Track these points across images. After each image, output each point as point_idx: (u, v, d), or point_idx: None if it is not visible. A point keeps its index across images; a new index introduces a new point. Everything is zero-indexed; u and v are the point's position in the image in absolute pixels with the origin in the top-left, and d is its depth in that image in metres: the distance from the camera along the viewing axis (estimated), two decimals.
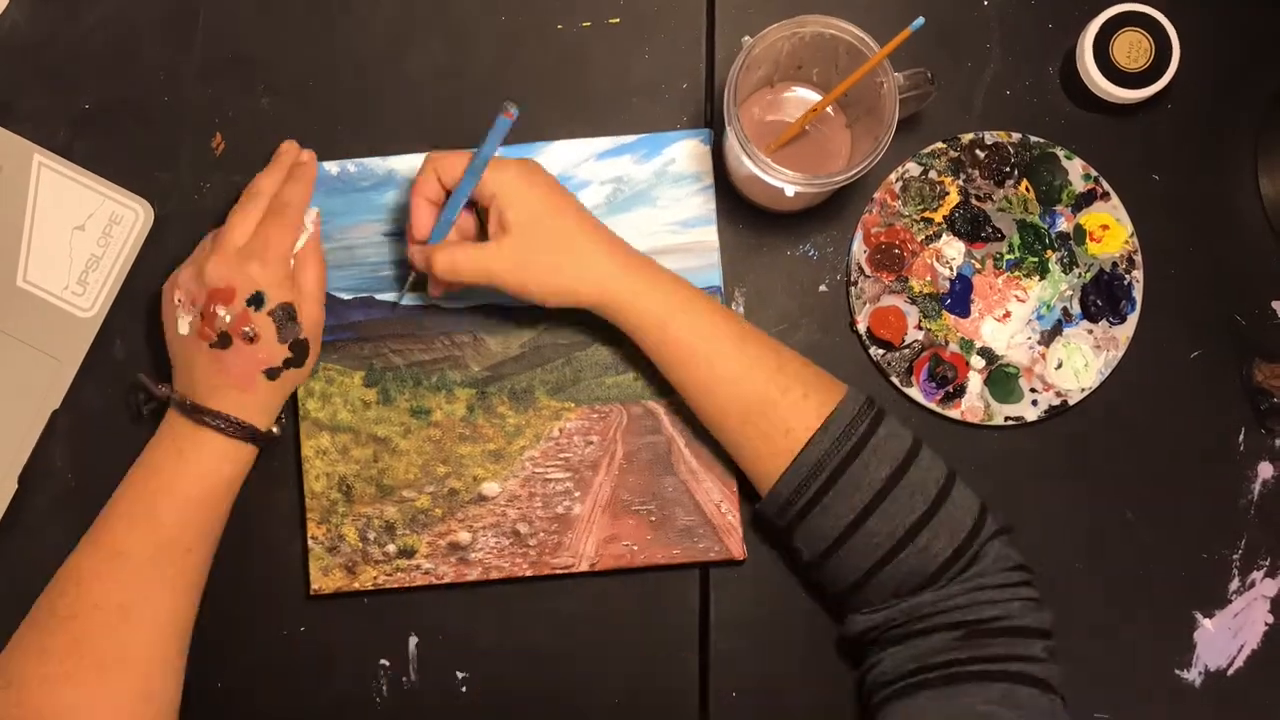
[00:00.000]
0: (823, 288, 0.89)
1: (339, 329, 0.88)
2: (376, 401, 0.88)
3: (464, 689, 0.88)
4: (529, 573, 0.86)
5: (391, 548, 0.87)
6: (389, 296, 0.88)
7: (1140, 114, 0.89)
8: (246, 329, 0.79)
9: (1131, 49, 0.86)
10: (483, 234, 0.84)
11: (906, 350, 0.88)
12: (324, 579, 0.87)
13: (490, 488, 0.87)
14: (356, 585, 0.86)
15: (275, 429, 0.84)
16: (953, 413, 0.87)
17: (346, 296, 0.88)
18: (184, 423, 0.81)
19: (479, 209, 0.84)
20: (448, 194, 0.82)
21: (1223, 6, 0.90)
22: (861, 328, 0.88)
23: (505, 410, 0.88)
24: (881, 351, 0.88)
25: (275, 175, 0.85)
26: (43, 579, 0.87)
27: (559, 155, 0.88)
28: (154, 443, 0.82)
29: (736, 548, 0.86)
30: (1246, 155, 0.90)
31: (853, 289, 0.88)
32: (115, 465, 0.88)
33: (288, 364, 0.81)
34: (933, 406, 0.87)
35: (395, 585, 0.86)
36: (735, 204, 0.89)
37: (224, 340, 0.80)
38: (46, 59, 0.91)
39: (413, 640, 0.88)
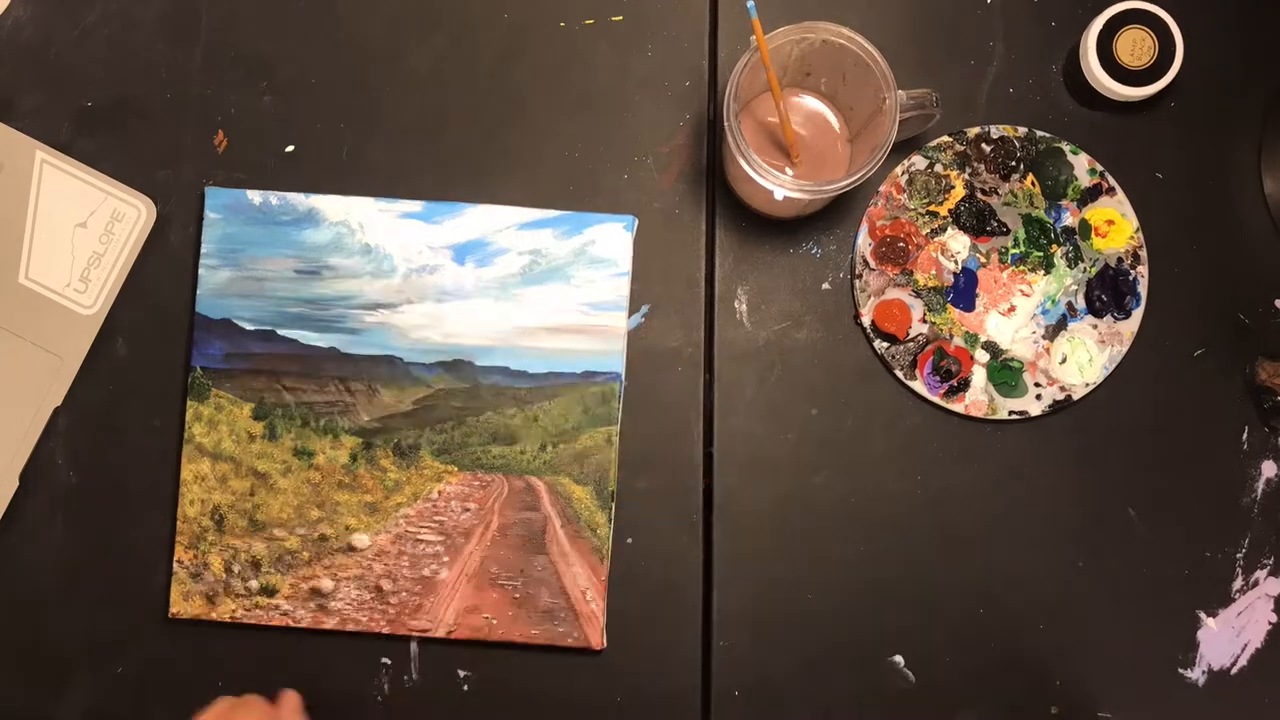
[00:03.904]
0: (826, 285, 0.89)
1: (236, 357, 0.88)
2: (262, 436, 0.88)
3: (465, 688, 0.87)
4: (386, 630, 0.86)
5: (254, 583, 0.87)
6: (292, 333, 0.88)
7: (1144, 111, 0.89)
8: None
9: (1135, 46, 0.86)
10: None
11: (911, 344, 0.87)
12: (183, 603, 0.86)
13: (360, 539, 0.87)
14: (214, 615, 0.86)
15: None
16: (956, 406, 0.87)
17: (249, 326, 0.88)
18: None
19: None
20: None
21: (1226, 4, 0.90)
22: (866, 321, 0.87)
23: (388, 464, 0.88)
24: (886, 345, 0.87)
25: (253, 711, 0.82)
26: (43, 577, 0.87)
27: (480, 220, 0.88)
28: None
29: (595, 638, 0.86)
30: (1250, 153, 0.90)
31: (857, 282, 0.88)
32: (116, 463, 0.89)
33: None
34: (937, 400, 0.87)
35: (252, 621, 0.86)
36: (738, 203, 0.89)
37: None
38: (49, 56, 0.91)
39: (414, 643, 0.88)
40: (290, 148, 0.90)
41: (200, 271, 0.88)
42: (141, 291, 0.89)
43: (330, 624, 0.86)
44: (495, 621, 0.86)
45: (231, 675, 0.88)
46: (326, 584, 0.87)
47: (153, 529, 0.88)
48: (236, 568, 0.87)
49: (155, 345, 0.89)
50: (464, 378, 0.88)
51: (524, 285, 0.88)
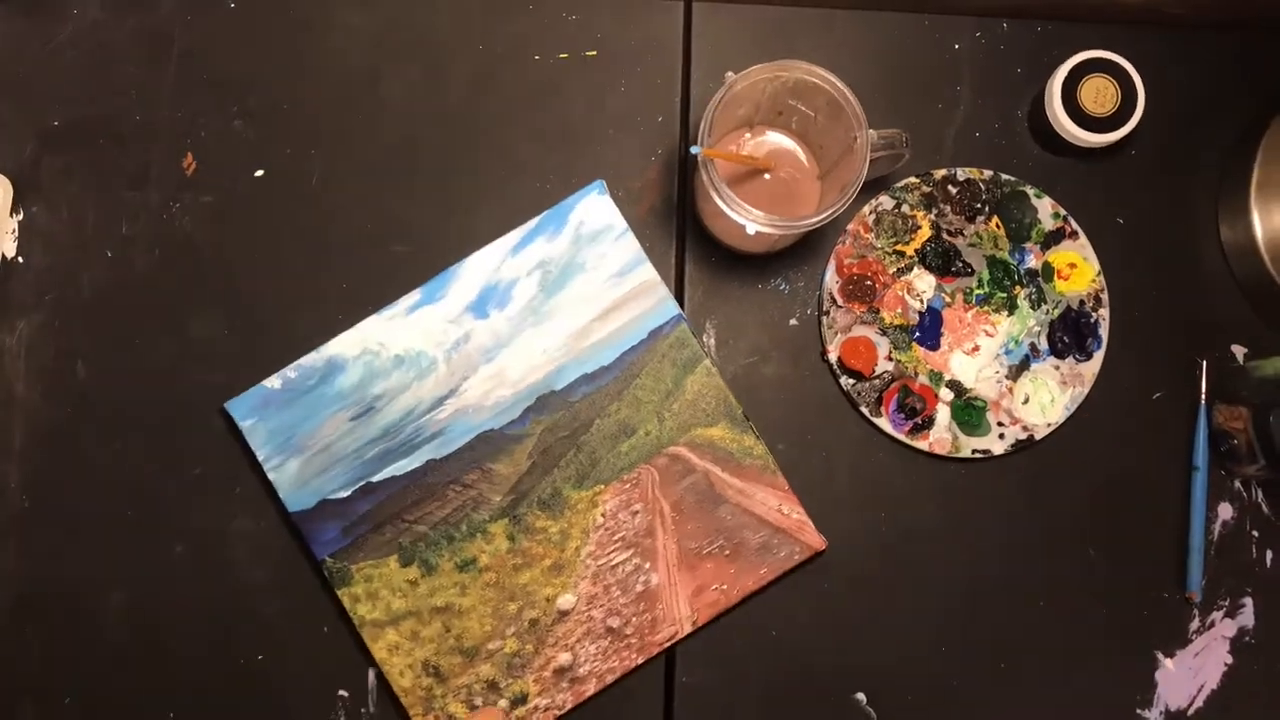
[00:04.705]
0: (793, 321, 0.90)
1: (353, 528, 0.86)
2: (421, 576, 0.86)
3: None
4: (640, 660, 0.85)
5: (504, 702, 0.85)
6: (385, 474, 0.86)
7: (1106, 158, 0.91)
8: None
9: (1098, 94, 0.88)
10: None
11: (876, 381, 0.88)
12: None
13: (566, 600, 0.86)
14: None
15: None
16: (921, 444, 0.88)
17: (346, 494, 0.86)
18: None
19: None
20: None
21: (1187, 55, 0.92)
22: (833, 357, 0.88)
23: (543, 523, 0.86)
24: (852, 382, 0.88)
25: None
26: None
27: (477, 268, 0.88)
28: None
29: (815, 540, 0.86)
30: (1209, 200, 0.92)
31: (825, 319, 0.88)
32: (71, 488, 0.87)
33: None
34: (901, 437, 0.88)
35: None
36: (708, 238, 0.90)
37: None
38: (16, 75, 0.90)
39: (371, 672, 0.87)
40: (260, 172, 0.90)
41: (270, 475, 0.86)
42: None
43: (591, 690, 0.85)
44: (725, 586, 0.86)
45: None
46: (565, 658, 0.85)
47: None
48: (479, 701, 0.85)
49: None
50: (555, 408, 0.87)
51: (550, 297, 0.88)
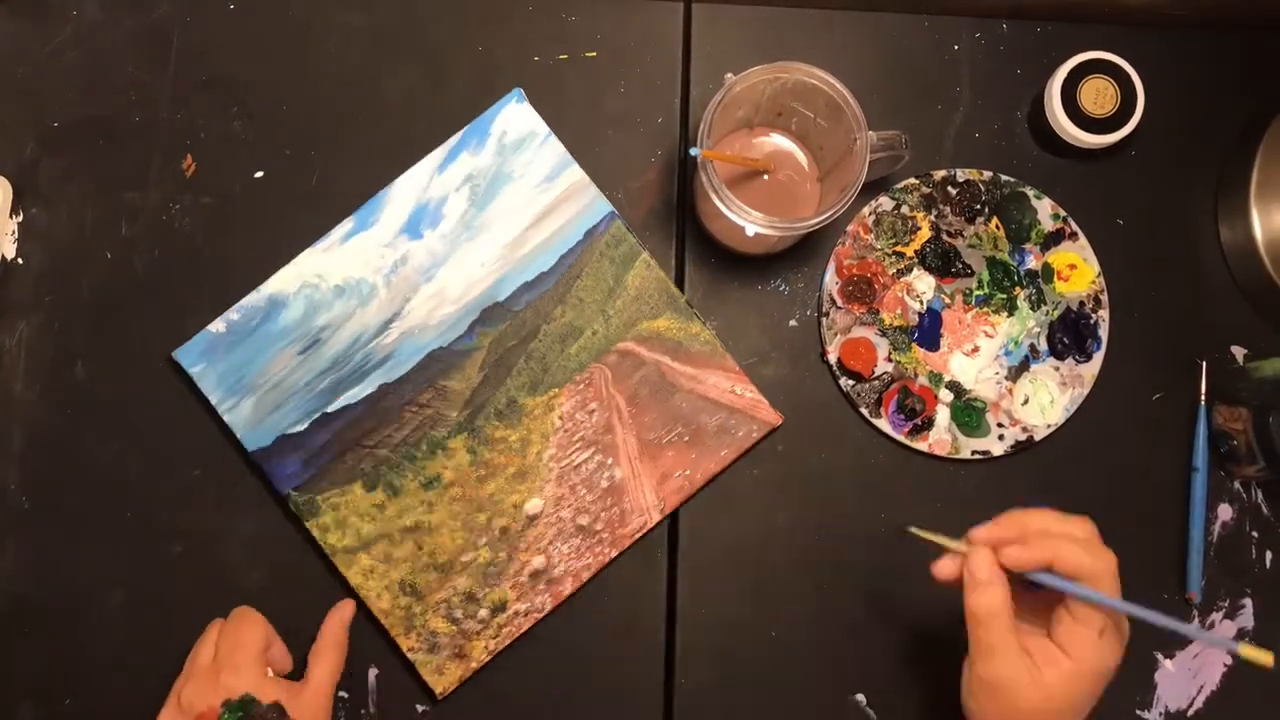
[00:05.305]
0: (793, 322, 0.90)
1: (314, 458, 0.86)
2: (387, 499, 0.86)
3: None
4: (614, 554, 0.86)
5: (484, 612, 0.86)
6: (339, 403, 0.87)
7: (1106, 159, 0.91)
8: None
9: (1098, 95, 0.88)
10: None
11: (876, 382, 0.88)
12: (441, 678, 0.86)
13: (533, 505, 0.87)
14: (474, 665, 0.86)
15: None
16: (920, 445, 0.88)
17: (302, 427, 0.87)
18: None
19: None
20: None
21: (1187, 56, 0.92)
22: (832, 358, 0.88)
23: (502, 433, 0.87)
24: (851, 383, 0.88)
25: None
26: None
27: (405, 190, 0.88)
28: None
29: (770, 416, 0.87)
30: (1208, 201, 0.92)
31: (824, 320, 0.88)
32: (71, 488, 0.87)
33: None
34: (901, 438, 0.88)
35: (509, 640, 0.86)
36: (708, 239, 0.90)
37: None
38: (16, 75, 0.90)
39: (373, 672, 0.87)
40: (259, 174, 0.90)
41: (225, 418, 0.86)
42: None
43: (569, 589, 0.86)
44: (689, 472, 0.87)
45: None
46: (539, 561, 0.86)
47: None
48: (459, 613, 0.86)
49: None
50: (500, 319, 0.87)
51: (481, 210, 0.88)
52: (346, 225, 0.88)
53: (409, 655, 0.85)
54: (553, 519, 0.87)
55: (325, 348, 0.87)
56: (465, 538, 0.86)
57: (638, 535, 0.86)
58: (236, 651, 0.79)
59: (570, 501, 0.87)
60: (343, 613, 0.85)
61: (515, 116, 0.88)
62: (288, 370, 0.87)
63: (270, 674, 0.81)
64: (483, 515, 0.87)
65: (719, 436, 0.87)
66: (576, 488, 0.87)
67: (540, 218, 0.88)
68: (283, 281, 0.87)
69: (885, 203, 0.89)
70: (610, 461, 0.87)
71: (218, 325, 0.87)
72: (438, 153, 0.88)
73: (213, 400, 0.86)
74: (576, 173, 0.88)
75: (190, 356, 0.87)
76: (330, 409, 0.87)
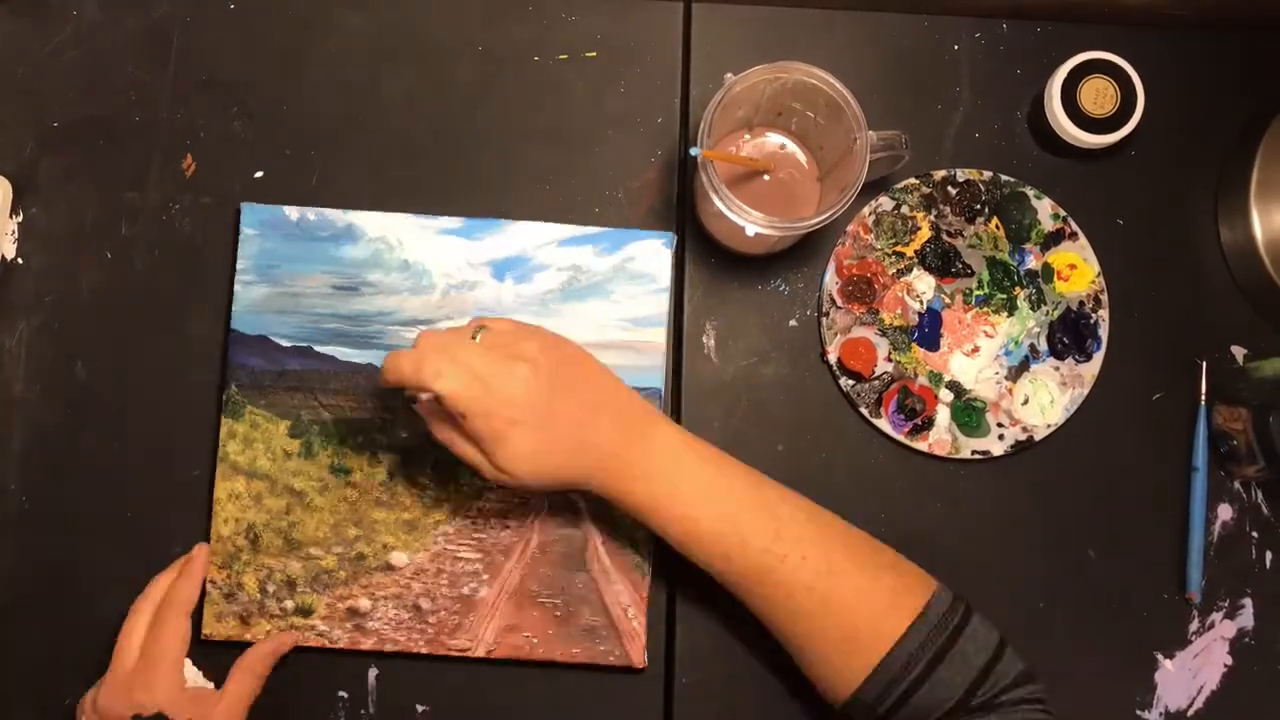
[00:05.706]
0: (793, 322, 0.90)
1: (272, 375, 0.86)
2: (298, 453, 0.86)
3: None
4: (424, 650, 0.85)
5: (290, 604, 0.85)
6: (329, 349, 0.87)
7: (1106, 159, 0.91)
8: None
9: (1098, 95, 0.88)
10: None
11: (876, 382, 0.88)
12: (216, 624, 0.85)
13: (399, 557, 0.86)
14: (248, 636, 0.85)
15: None
16: (920, 445, 0.88)
17: (285, 343, 0.87)
18: None
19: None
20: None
21: (1187, 56, 0.92)
22: (832, 358, 0.88)
23: (427, 481, 0.86)
24: (852, 383, 0.88)
25: (169, 575, 0.84)
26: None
27: (520, 236, 0.88)
28: None
29: (638, 655, 0.85)
30: (1208, 201, 0.92)
31: (824, 320, 0.88)
32: (71, 488, 0.87)
33: None
34: (901, 439, 0.88)
35: (289, 642, 0.85)
36: (708, 239, 0.90)
37: None
38: (15, 75, 0.90)
39: (372, 672, 0.87)
40: (260, 174, 0.90)
41: (236, 288, 0.87)
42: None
43: (367, 644, 0.85)
44: (536, 640, 0.85)
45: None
46: (364, 603, 0.85)
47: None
48: (271, 588, 0.85)
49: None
50: None
51: (564, 301, 0.88)
52: (453, 223, 0.88)
53: (209, 586, 0.85)
54: (404, 582, 0.86)
55: (355, 299, 0.87)
56: (327, 536, 0.86)
57: (453, 653, 0.85)
58: (158, 665, 0.80)
59: (427, 580, 0.85)
60: (276, 644, 0.84)
61: (652, 253, 0.88)
62: (314, 292, 0.87)
63: (188, 683, 0.81)
64: (354, 531, 0.86)
65: (584, 635, 0.85)
66: (442, 574, 0.85)
67: (601, 346, 0.86)
68: (368, 221, 0.88)
69: (885, 203, 0.89)
70: (486, 578, 0.85)
71: (292, 212, 0.87)
72: (570, 229, 0.88)
73: (239, 266, 0.87)
74: (660, 335, 0.88)
75: (252, 216, 0.87)
76: (319, 348, 0.87)
